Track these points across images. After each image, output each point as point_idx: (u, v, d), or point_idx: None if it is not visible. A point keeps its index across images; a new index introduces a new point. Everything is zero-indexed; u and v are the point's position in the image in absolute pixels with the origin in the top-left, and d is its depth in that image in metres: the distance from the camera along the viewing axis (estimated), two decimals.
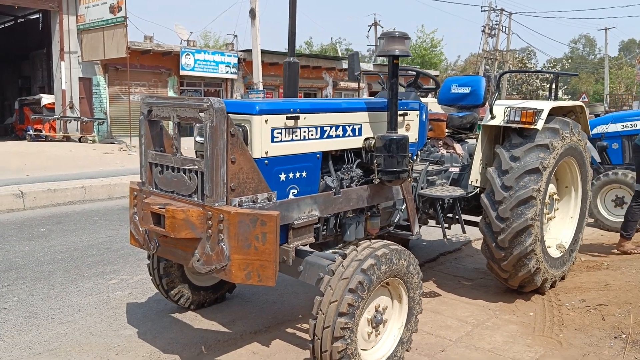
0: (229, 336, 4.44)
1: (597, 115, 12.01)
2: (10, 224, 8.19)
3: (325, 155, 4.11)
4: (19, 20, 30.00)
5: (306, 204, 3.85)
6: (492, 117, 5.21)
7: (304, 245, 3.97)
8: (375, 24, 50.98)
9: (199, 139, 3.83)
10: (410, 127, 4.76)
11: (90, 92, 23.00)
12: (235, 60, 27.36)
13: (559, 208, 5.84)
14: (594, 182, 8.24)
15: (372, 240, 3.69)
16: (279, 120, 3.68)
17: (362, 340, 3.59)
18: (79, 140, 21.43)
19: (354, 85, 34.20)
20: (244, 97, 25.71)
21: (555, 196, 5.71)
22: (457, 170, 5.62)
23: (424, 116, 4.95)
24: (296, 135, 3.81)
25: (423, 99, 5.36)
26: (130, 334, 4.42)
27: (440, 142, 5.81)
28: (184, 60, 25.23)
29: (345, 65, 33.50)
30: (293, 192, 3.86)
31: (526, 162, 4.91)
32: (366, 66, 35.75)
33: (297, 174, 3.87)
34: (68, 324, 4.60)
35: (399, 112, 4.38)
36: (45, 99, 23.50)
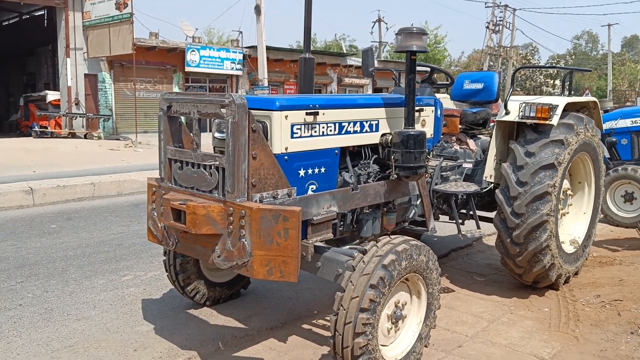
0: (245, 332, 4.45)
1: (606, 111, 11.97)
2: (21, 221, 8.20)
3: (343, 151, 4.11)
4: (23, 17, 30.02)
5: (325, 200, 3.85)
6: (507, 113, 5.20)
7: (322, 241, 3.97)
8: (379, 20, 50.87)
9: (217, 134, 3.83)
10: (426, 123, 4.75)
11: (95, 88, 23.03)
12: (241, 56, 27.37)
13: (573, 204, 5.83)
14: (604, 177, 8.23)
15: (392, 236, 3.68)
16: (299, 116, 3.67)
17: (381, 336, 3.59)
18: (85, 137, 21.46)
19: (358, 81, 34.22)
20: (249, 93, 25.70)
21: (569, 192, 5.70)
22: (470, 166, 5.61)
23: (438, 112, 4.94)
24: (315, 131, 3.81)
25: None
26: (147, 330, 4.42)
27: (454, 138, 5.80)
28: (189, 56, 25.23)
29: (349, 61, 33.52)
30: (312, 188, 3.86)
31: (541, 157, 4.90)
32: None
33: (316, 170, 3.86)
34: (84, 320, 4.60)
35: (415, 108, 4.37)
36: (51, 96, 23.55)
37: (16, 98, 28.69)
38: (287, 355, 4.09)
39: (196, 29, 28.19)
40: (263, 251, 3.23)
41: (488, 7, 45.12)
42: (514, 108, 5.15)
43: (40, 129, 21.64)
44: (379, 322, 3.44)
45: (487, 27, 44.56)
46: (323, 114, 3.83)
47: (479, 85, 6.06)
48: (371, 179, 4.31)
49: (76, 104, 22.27)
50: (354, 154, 4.30)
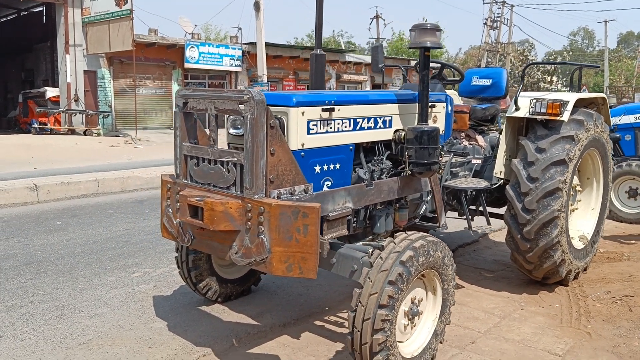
0: (258, 329, 4.44)
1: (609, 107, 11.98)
2: (26, 217, 8.18)
3: (357, 147, 4.10)
4: (22, 13, 29.93)
5: (340, 196, 3.84)
6: (517, 109, 5.20)
7: (335, 238, 3.96)
8: (377, 17, 50.83)
9: (232, 131, 3.82)
10: (437, 119, 4.75)
11: (95, 85, 22.98)
12: (240, 53, 27.31)
13: (581, 199, 5.83)
14: None
15: (409, 232, 3.68)
16: (315, 112, 3.67)
17: (398, 332, 3.58)
18: (84, 134, 21.43)
19: (357, 77, 34.20)
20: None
21: (578, 188, 5.71)
22: (479, 162, 5.62)
23: (449, 108, 4.94)
24: (330, 127, 3.80)
25: None
26: (161, 327, 4.42)
27: (463, 134, 5.80)
28: (188, 53, 25.18)
29: (348, 58, 33.49)
30: (327, 184, 3.86)
31: (552, 153, 4.89)
32: (368, 59, 35.68)
33: (331, 166, 3.86)
34: (97, 317, 4.60)
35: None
36: (50, 92, 23.51)
37: (14, 95, 28.65)
38: (302, 351, 4.09)
39: (195, 25, 28.13)
40: (282, 247, 3.23)
41: (486, 3, 45.14)
42: (525, 104, 5.15)
43: (40, 126, 21.60)
44: (397, 318, 3.44)
45: (485, 24, 44.56)
46: (338, 110, 3.83)
47: (488, 82, 6.06)
48: (384, 175, 4.31)
49: (75, 101, 22.23)
50: (367, 150, 4.30)
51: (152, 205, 9.16)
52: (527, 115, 5.12)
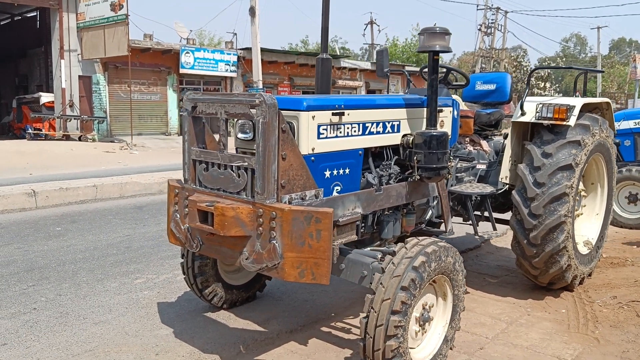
0: (265, 335, 4.40)
1: None
2: (25, 223, 8.11)
3: (366, 152, 4.08)
4: (15, 18, 29.78)
5: (350, 201, 3.81)
6: (523, 114, 5.19)
7: (344, 243, 3.93)
8: (371, 23, 50.95)
9: (241, 135, 3.78)
10: (444, 124, 4.73)
11: (90, 90, 22.87)
12: (235, 58, 27.29)
13: (586, 205, 5.83)
14: None
15: (420, 237, 3.66)
16: (325, 116, 3.64)
17: (409, 338, 3.56)
18: (79, 139, 21.31)
19: (352, 83, 34.22)
20: None
21: (583, 193, 5.70)
22: (484, 167, 5.60)
23: (455, 113, 4.93)
24: (340, 132, 3.78)
25: None
26: (167, 334, 4.37)
27: (467, 139, 5.78)
28: (183, 58, 25.13)
29: (343, 63, 33.52)
30: (336, 189, 3.83)
31: (558, 158, 4.88)
32: (364, 65, 35.76)
33: (341, 171, 3.83)
34: (102, 324, 4.54)
35: None
36: (45, 98, 23.35)
37: (8, 100, 28.44)
38: (310, 358, 4.05)
39: (190, 30, 28.08)
40: (295, 253, 3.19)
41: (480, 9, 45.35)
42: (531, 109, 5.14)
43: (34, 131, 21.46)
44: (409, 324, 3.41)
45: (479, 30, 44.73)
46: (348, 114, 3.80)
47: (492, 86, 6.05)
48: (392, 180, 4.29)
49: (70, 106, 22.12)
50: (376, 155, 4.28)
51: (152, 211, 9.11)
52: (533, 120, 5.11)
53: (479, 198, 5.41)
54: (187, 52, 25.33)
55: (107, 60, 22.53)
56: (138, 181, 10.97)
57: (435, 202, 4.88)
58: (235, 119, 3.69)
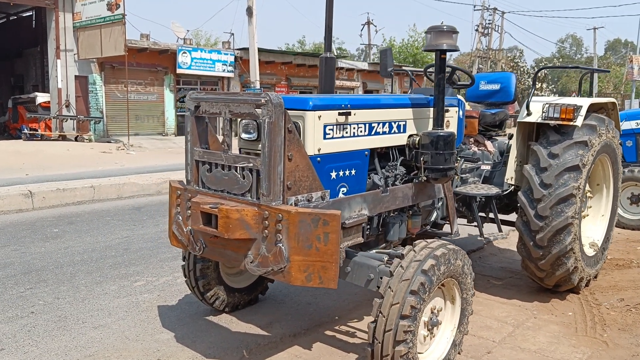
0: (268, 339, 4.31)
1: None
2: (22, 225, 8.00)
3: (372, 152, 4.00)
4: (11, 18, 29.63)
5: (357, 203, 3.73)
6: (529, 114, 5.11)
7: (350, 246, 3.85)
8: (368, 23, 50.92)
9: (244, 135, 3.69)
10: (450, 124, 4.66)
11: (86, 90, 22.74)
12: (232, 58, 27.18)
13: (591, 206, 5.76)
14: None
15: (428, 240, 3.58)
16: (331, 116, 3.56)
17: (418, 343, 3.48)
18: (75, 139, 21.20)
19: (349, 84, 34.16)
20: None
21: (588, 194, 5.63)
22: (488, 168, 5.53)
23: (461, 113, 4.85)
24: (346, 132, 3.70)
25: None
26: (168, 338, 4.28)
27: (472, 140, 5.71)
28: (180, 58, 25.00)
29: (340, 64, 33.43)
30: (343, 191, 3.75)
31: (565, 159, 4.81)
32: (361, 65, 35.71)
33: (347, 172, 3.75)
34: (101, 328, 4.45)
35: None
36: (41, 98, 23.25)
37: (4, 100, 28.26)
38: None
39: (187, 30, 28.00)
40: (301, 256, 3.11)
41: (477, 9, 45.37)
42: (537, 109, 5.07)
43: (30, 132, 21.33)
44: (418, 329, 3.33)
45: (477, 30, 44.76)
46: (354, 114, 3.72)
47: (496, 86, 5.98)
48: (398, 181, 4.21)
49: (66, 106, 21.99)
50: (381, 155, 4.20)
51: (150, 212, 9.01)
52: (539, 120, 5.04)
53: (483, 199, 5.33)
54: (184, 52, 25.22)
55: (103, 60, 22.41)
56: (136, 182, 10.86)
57: (440, 203, 4.81)
58: (239, 119, 3.61)
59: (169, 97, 25.72)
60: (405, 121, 4.21)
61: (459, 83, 5.25)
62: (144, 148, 20.38)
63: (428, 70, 5.31)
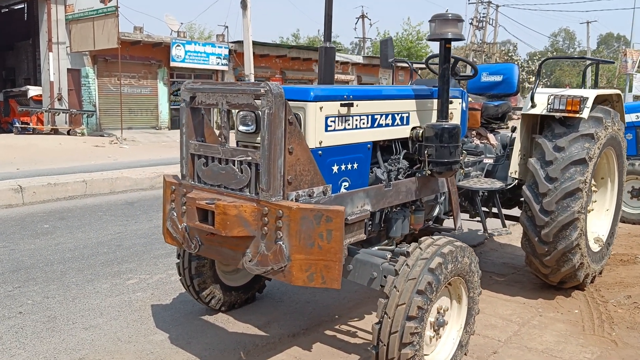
0: (266, 340, 4.16)
1: None
2: (11, 220, 7.80)
3: (374, 145, 3.84)
4: (2, 11, 29.22)
5: (359, 198, 3.57)
6: (534, 106, 4.96)
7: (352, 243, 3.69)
8: (362, 17, 50.63)
9: (242, 128, 3.53)
10: (453, 116, 4.49)
11: (79, 83, 22.47)
12: (226, 51, 26.94)
13: (596, 200, 5.62)
14: None
15: (435, 237, 3.42)
16: (333, 107, 3.39)
17: (424, 345, 3.33)
18: (68, 133, 20.94)
19: (344, 77, 33.93)
20: None
21: (594, 188, 5.49)
22: (491, 161, 5.38)
23: (464, 104, 4.70)
24: (349, 124, 3.53)
25: None
26: (162, 340, 4.11)
27: (474, 132, 5.56)
28: (174, 51, 24.75)
29: (337, 58, 33.21)
30: (345, 185, 3.59)
31: (571, 152, 4.66)
32: (356, 58, 35.51)
33: (349, 166, 3.59)
34: (92, 329, 4.28)
35: None
36: (32, 91, 22.96)
37: None
38: None
39: (181, 23, 27.69)
40: (303, 255, 2.95)
41: (471, 3, 45.22)
42: (542, 101, 4.91)
43: (22, 125, 21.05)
44: (425, 330, 3.18)
45: (471, 24, 44.62)
46: (357, 105, 3.56)
47: (498, 78, 5.82)
48: (401, 175, 4.05)
49: (59, 100, 21.71)
50: (384, 148, 4.04)
51: (143, 207, 8.82)
52: (544, 112, 4.89)
53: (486, 193, 5.19)
54: (178, 45, 24.96)
55: (96, 53, 22.14)
56: (129, 176, 10.66)
57: (443, 198, 4.65)
58: (237, 111, 3.44)
59: (162, 91, 25.47)
60: (409, 113, 4.05)
61: (462, 74, 5.10)
62: (137, 142, 20.16)
63: (429, 61, 5.16)
